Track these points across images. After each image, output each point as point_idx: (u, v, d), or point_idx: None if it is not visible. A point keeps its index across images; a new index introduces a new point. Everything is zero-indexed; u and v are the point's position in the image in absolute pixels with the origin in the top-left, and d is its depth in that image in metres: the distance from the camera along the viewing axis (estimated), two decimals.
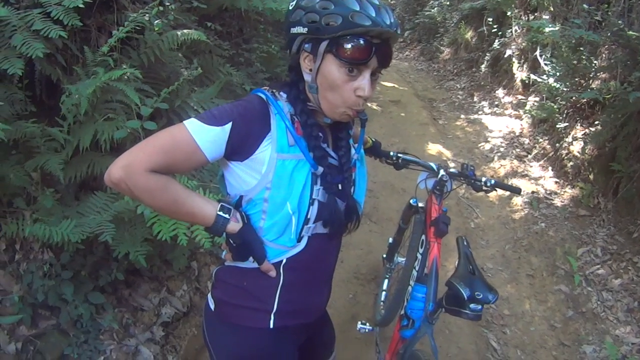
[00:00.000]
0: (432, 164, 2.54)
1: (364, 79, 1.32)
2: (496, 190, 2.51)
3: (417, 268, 2.38)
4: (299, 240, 1.45)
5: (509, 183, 5.23)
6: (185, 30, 3.01)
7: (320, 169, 1.41)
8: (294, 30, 1.32)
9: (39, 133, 2.29)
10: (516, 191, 2.62)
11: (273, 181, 1.35)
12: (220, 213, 1.37)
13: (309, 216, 1.43)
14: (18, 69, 2.13)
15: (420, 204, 2.77)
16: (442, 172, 2.47)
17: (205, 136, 1.28)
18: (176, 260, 2.97)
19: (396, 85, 9.56)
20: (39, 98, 2.59)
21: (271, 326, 1.50)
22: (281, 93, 1.43)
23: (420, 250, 2.41)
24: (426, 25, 12.85)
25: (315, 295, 1.65)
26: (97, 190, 2.51)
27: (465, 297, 1.79)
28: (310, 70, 1.36)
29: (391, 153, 2.52)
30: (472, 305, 1.81)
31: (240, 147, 1.33)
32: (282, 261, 1.46)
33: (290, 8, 1.34)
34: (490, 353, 3.29)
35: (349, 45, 1.27)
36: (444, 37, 11.46)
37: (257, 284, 1.48)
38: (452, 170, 2.51)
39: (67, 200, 2.55)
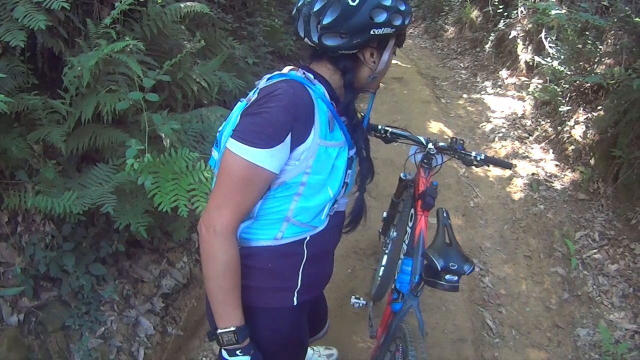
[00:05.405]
0: (421, 138, 2.53)
1: None
2: (488, 165, 2.51)
3: (406, 241, 2.40)
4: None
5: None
6: (188, 3, 2.98)
7: (353, 151, 1.50)
8: (379, 31, 1.35)
9: (41, 105, 2.27)
10: (507, 166, 2.59)
11: (313, 166, 1.37)
12: (235, 329, 1.38)
13: (337, 198, 1.52)
14: (20, 41, 2.10)
15: (410, 178, 2.78)
16: (429, 145, 2.47)
17: (272, 160, 1.30)
18: (176, 232, 2.98)
19: (399, 63, 9.49)
20: (41, 70, 2.57)
21: (295, 303, 1.55)
22: (308, 74, 1.44)
23: (410, 224, 2.43)
24: (431, 3, 12.73)
25: (328, 265, 1.73)
26: (99, 162, 2.52)
27: (439, 268, 1.80)
28: (374, 62, 1.44)
29: (379, 127, 2.51)
30: (447, 276, 1.83)
31: (296, 145, 1.33)
32: (305, 238, 1.50)
33: (365, 7, 1.32)
34: (486, 332, 3.33)
35: (404, 35, 1.49)
36: (449, 15, 11.36)
37: (282, 263, 1.51)
38: (441, 144, 2.50)
39: (69, 172, 2.55)
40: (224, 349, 1.41)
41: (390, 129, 2.51)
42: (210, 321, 1.55)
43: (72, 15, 2.56)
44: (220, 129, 1.53)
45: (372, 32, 1.33)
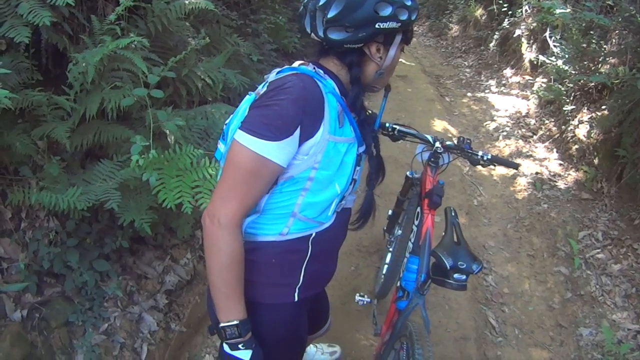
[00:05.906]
0: (429, 136, 2.53)
1: None
2: (494, 165, 2.50)
3: (412, 240, 2.40)
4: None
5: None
6: None
7: (362, 148, 1.50)
8: (384, 25, 1.35)
9: (45, 101, 2.27)
10: (514, 166, 2.60)
11: (322, 162, 1.37)
12: (238, 323, 1.37)
13: (345, 194, 1.51)
14: (25, 37, 2.11)
15: (416, 176, 2.78)
16: (437, 144, 2.47)
17: (281, 153, 1.29)
18: (180, 228, 2.98)
19: (403, 61, 9.47)
20: (46, 67, 2.58)
21: (296, 299, 1.54)
22: (318, 69, 1.44)
23: (416, 222, 2.43)
24: (436, 1, 12.74)
25: (332, 264, 1.72)
26: (103, 158, 2.51)
27: (448, 266, 1.81)
28: (381, 58, 1.44)
29: (387, 124, 2.51)
30: (456, 275, 1.83)
31: (305, 140, 1.33)
32: (311, 235, 1.49)
33: (370, 0, 1.33)
34: (489, 330, 3.33)
35: (411, 32, 1.49)
36: (453, 14, 11.36)
37: (285, 259, 1.50)
38: (448, 143, 2.50)
39: (73, 168, 2.55)
40: (226, 343, 1.40)
41: (398, 127, 2.51)
42: (212, 315, 1.54)
43: (77, 12, 2.56)
44: (227, 121, 1.52)
45: (377, 26, 1.34)
